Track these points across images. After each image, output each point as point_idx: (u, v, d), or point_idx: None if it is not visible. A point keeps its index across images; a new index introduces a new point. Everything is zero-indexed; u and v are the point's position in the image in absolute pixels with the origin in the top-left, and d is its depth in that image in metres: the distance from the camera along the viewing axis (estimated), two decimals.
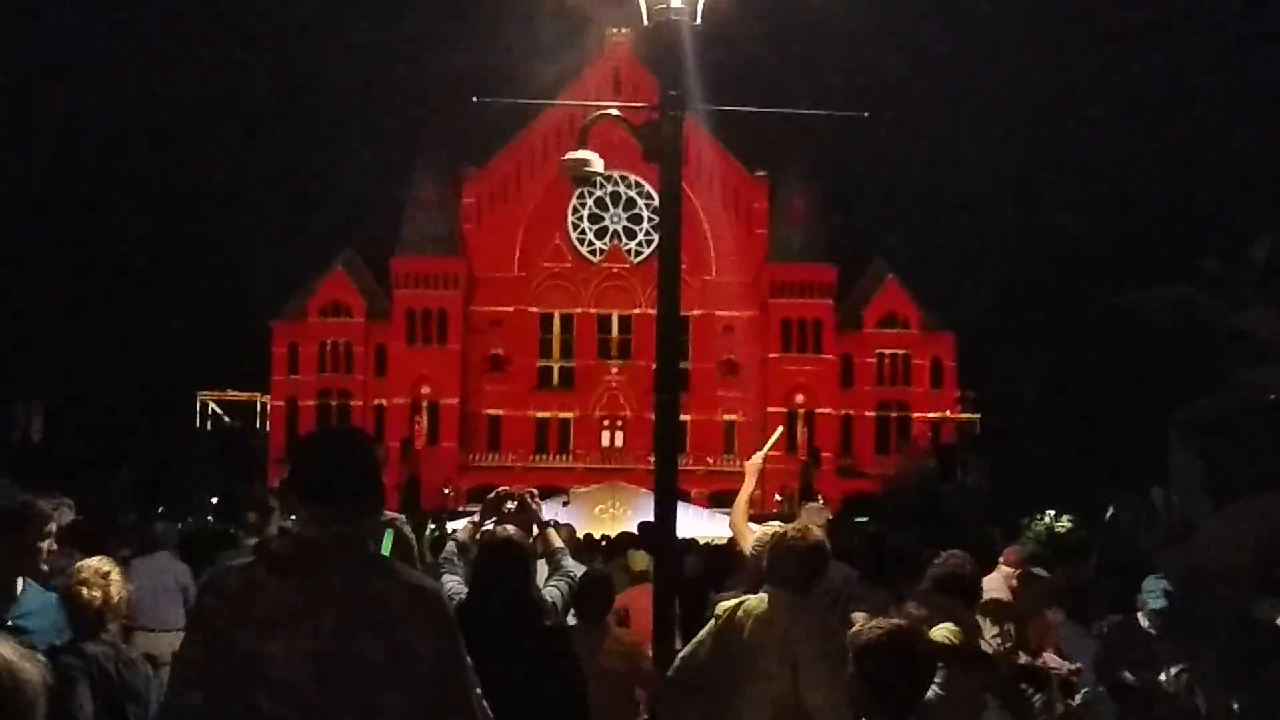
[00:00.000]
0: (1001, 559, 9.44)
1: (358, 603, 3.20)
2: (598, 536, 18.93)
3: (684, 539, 13.14)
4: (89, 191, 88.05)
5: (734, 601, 5.74)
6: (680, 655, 5.96)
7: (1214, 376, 1.55)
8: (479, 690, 3.39)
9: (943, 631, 5.27)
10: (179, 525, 17.54)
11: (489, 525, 7.07)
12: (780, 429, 11.31)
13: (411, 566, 4.15)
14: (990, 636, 4.51)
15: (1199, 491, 1.43)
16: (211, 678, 3.18)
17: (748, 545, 7.14)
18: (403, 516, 5.37)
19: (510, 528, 6.24)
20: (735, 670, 5.48)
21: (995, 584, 8.57)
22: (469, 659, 3.36)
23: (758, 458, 8.16)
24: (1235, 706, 1.39)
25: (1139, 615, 7.75)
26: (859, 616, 6.80)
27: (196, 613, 3.42)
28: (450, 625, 3.32)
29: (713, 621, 5.73)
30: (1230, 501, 1.42)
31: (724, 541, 18.04)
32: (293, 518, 3.34)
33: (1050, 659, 9.55)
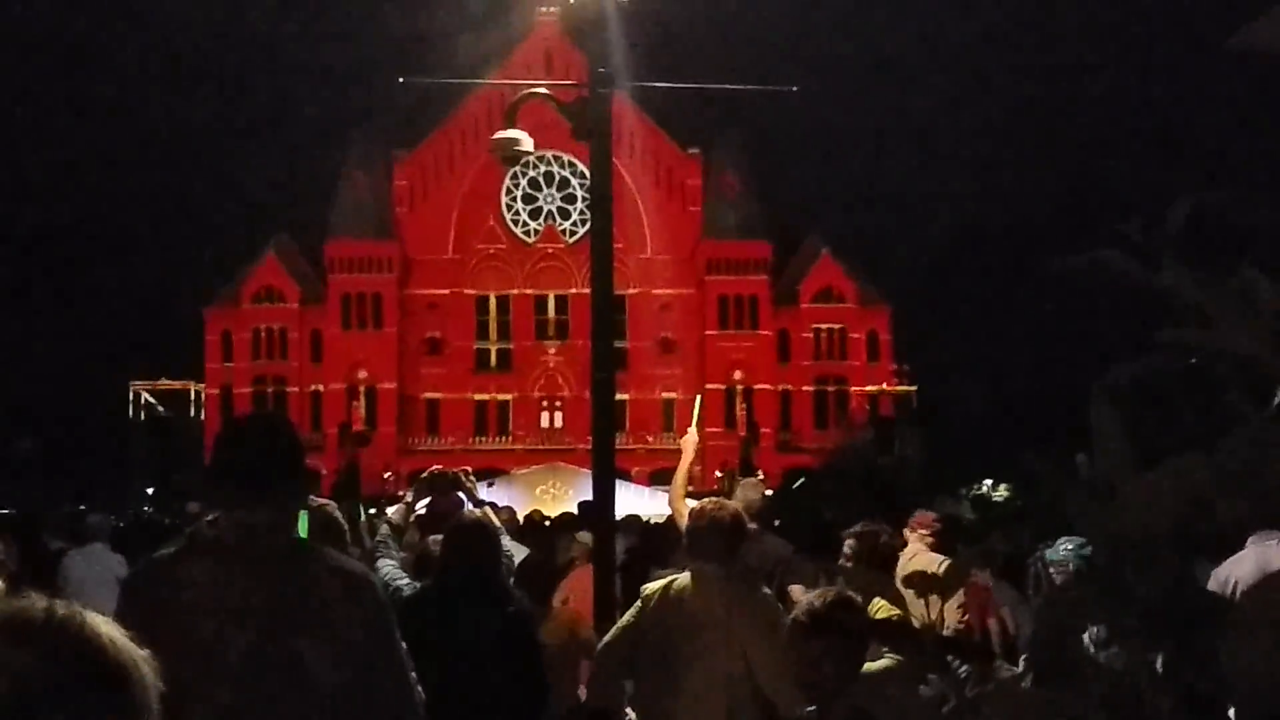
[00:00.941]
0: (912, 524, 9.29)
1: (287, 589, 3.17)
2: (537, 519, 18.85)
3: (623, 517, 13.14)
4: (12, 178, 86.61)
5: (662, 582, 5.75)
6: (607, 638, 5.93)
7: (1139, 341, 1.55)
8: (413, 674, 3.37)
9: (882, 607, 5.30)
10: (114, 517, 17.35)
11: (421, 507, 7.03)
12: (699, 397, 11.18)
13: (343, 552, 4.11)
14: (915, 609, 4.53)
15: (1121, 454, 1.44)
16: None
17: (684, 522, 7.15)
18: (332, 503, 5.31)
19: (478, 510, 6.22)
20: (677, 649, 5.48)
21: (912, 553, 8.57)
22: (402, 643, 3.34)
23: (692, 433, 8.16)
24: (1159, 667, 1.40)
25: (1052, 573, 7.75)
26: (796, 590, 6.83)
27: (124, 604, 3.37)
28: (381, 609, 3.30)
29: (639, 603, 5.73)
30: (1152, 464, 1.43)
31: (663, 519, 18.04)
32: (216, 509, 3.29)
33: (993, 626, 9.58)
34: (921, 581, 3.69)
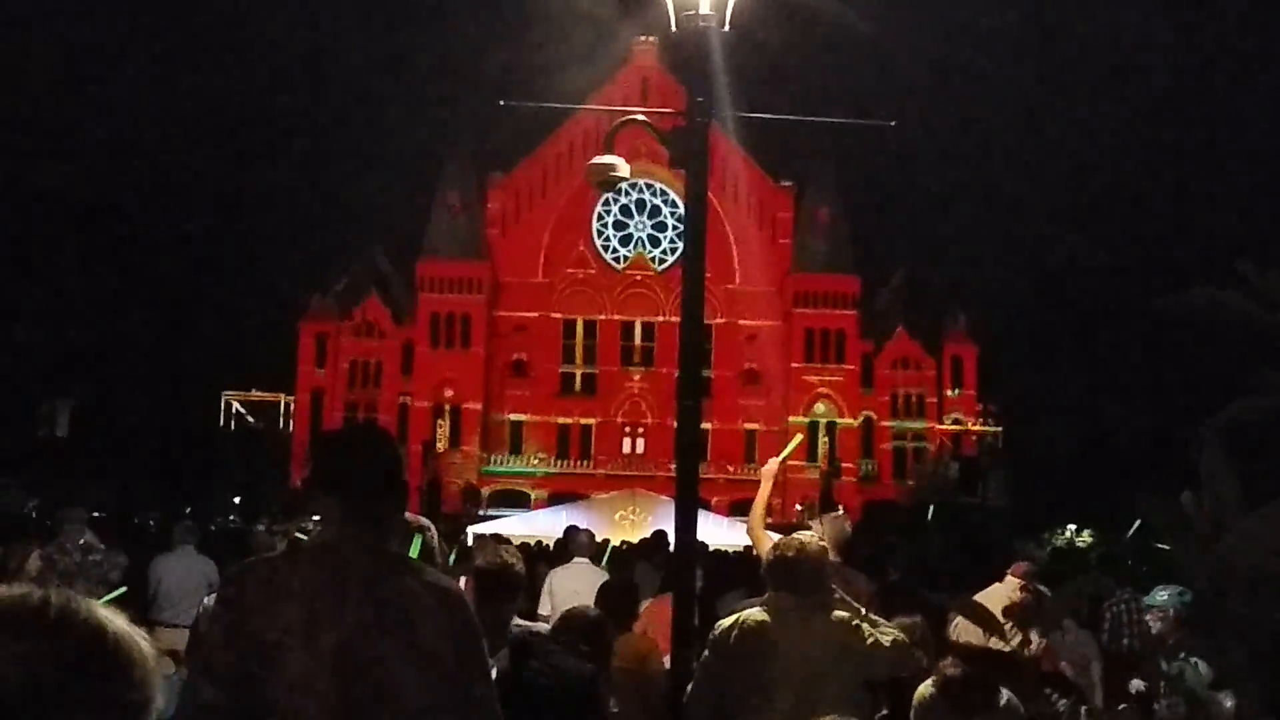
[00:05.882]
0: (1010, 571, 9.44)
1: (379, 599, 3.20)
2: (617, 542, 18.89)
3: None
4: (119, 192, 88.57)
5: (733, 618, 5.73)
6: (691, 690, 5.86)
7: (1245, 381, 1.54)
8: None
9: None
10: (205, 523, 17.67)
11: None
12: (799, 436, 11.08)
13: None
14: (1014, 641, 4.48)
15: (1231, 493, 1.42)
16: (230, 671, 3.18)
17: (764, 551, 7.12)
18: (427, 520, 5.28)
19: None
20: (760, 683, 5.47)
21: (999, 595, 8.49)
22: (489, 661, 3.35)
23: (773, 463, 8.12)
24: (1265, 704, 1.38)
25: (1148, 620, 7.72)
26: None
27: (218, 606, 3.42)
28: (472, 627, 3.31)
29: (713, 643, 5.71)
30: (1262, 503, 1.42)
31: (740, 549, 18.00)
32: (315, 517, 3.35)
33: (1066, 670, 9.54)
34: (1022, 614, 3.65)
